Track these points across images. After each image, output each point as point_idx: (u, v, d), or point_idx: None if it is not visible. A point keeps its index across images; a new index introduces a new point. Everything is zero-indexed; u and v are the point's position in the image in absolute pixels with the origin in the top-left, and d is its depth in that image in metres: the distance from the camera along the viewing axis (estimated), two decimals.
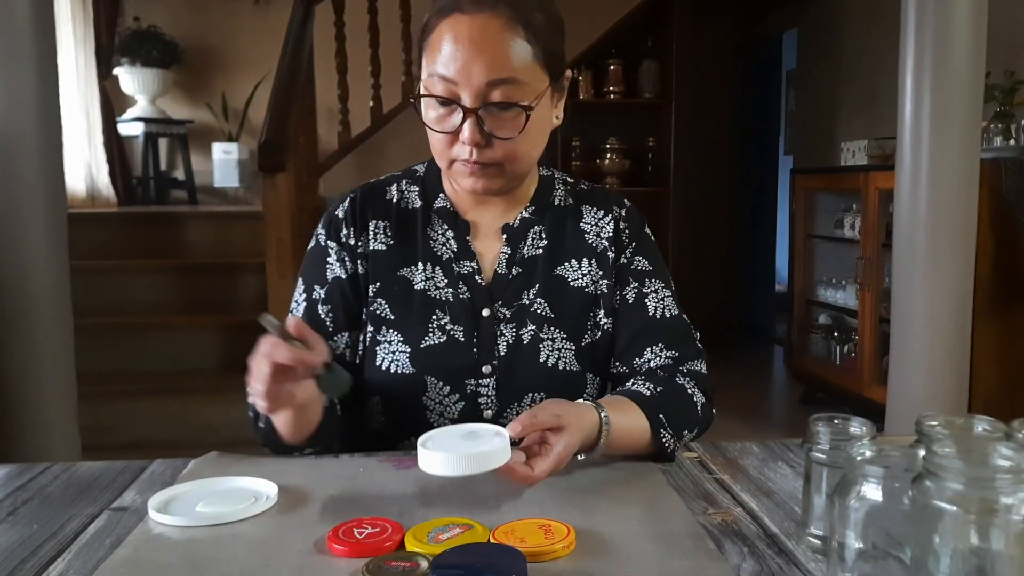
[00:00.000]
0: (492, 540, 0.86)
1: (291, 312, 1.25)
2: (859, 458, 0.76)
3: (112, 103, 5.55)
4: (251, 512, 0.95)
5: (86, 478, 1.09)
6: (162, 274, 4.22)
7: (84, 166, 5.32)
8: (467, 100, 1.08)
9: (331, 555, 0.86)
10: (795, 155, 6.00)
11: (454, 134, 1.11)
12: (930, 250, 2.74)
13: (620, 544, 0.87)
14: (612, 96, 5.73)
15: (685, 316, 1.28)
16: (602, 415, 1.06)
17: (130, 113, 5.59)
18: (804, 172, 4.86)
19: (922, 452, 0.69)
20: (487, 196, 1.21)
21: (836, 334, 4.43)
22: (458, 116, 1.10)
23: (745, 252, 6.33)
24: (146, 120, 5.54)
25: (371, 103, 4.84)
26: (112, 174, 5.45)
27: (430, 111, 1.12)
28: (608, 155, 5.73)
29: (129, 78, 5.53)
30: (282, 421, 1.08)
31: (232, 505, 0.96)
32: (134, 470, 1.11)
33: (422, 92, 1.12)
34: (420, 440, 0.97)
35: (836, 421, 0.90)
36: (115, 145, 5.54)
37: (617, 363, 1.25)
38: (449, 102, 1.09)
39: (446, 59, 1.08)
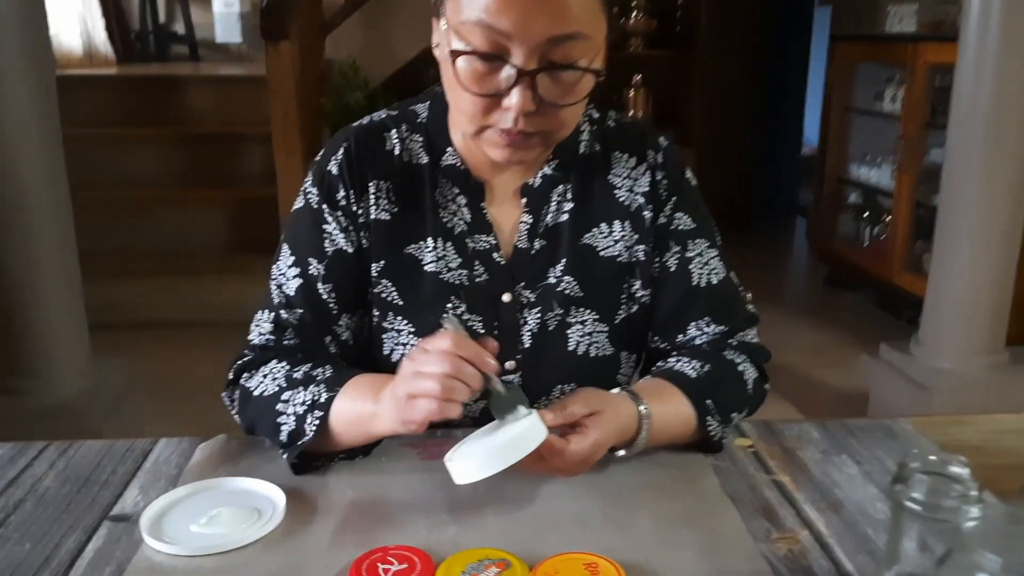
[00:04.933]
0: None
1: (275, 285, 1.07)
2: (971, 531, 0.65)
3: None
4: (257, 534, 0.85)
5: (84, 467, 0.99)
6: (163, 144, 4.05)
7: (79, 21, 5.01)
8: (520, 59, 0.88)
9: None
10: (834, 16, 5.60)
11: (495, 97, 0.91)
12: (991, 133, 2.49)
13: None
14: None
15: (733, 275, 1.13)
16: (641, 408, 0.95)
17: None
18: (844, 39, 4.53)
19: None
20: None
21: (867, 215, 4.26)
22: (505, 77, 0.89)
23: (772, 119, 6.02)
24: None
25: None
26: (109, 29, 5.15)
27: (463, 65, 0.90)
28: (633, 13, 5.35)
29: None
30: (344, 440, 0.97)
31: (236, 524, 0.86)
32: (136, 456, 1.02)
33: (456, 45, 0.90)
34: (446, 458, 0.86)
35: (932, 457, 0.78)
36: None
37: (656, 337, 1.13)
38: (493, 57, 0.89)
39: (495, 5, 0.86)
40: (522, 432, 0.84)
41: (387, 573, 0.79)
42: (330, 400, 0.94)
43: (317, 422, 0.94)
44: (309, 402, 0.95)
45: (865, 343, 3.35)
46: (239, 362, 1.07)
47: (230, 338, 1.07)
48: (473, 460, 0.84)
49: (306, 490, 0.94)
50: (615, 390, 0.98)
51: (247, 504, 0.90)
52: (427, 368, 0.84)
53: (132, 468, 0.99)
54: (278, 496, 0.91)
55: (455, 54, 0.90)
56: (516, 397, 0.88)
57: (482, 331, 1.06)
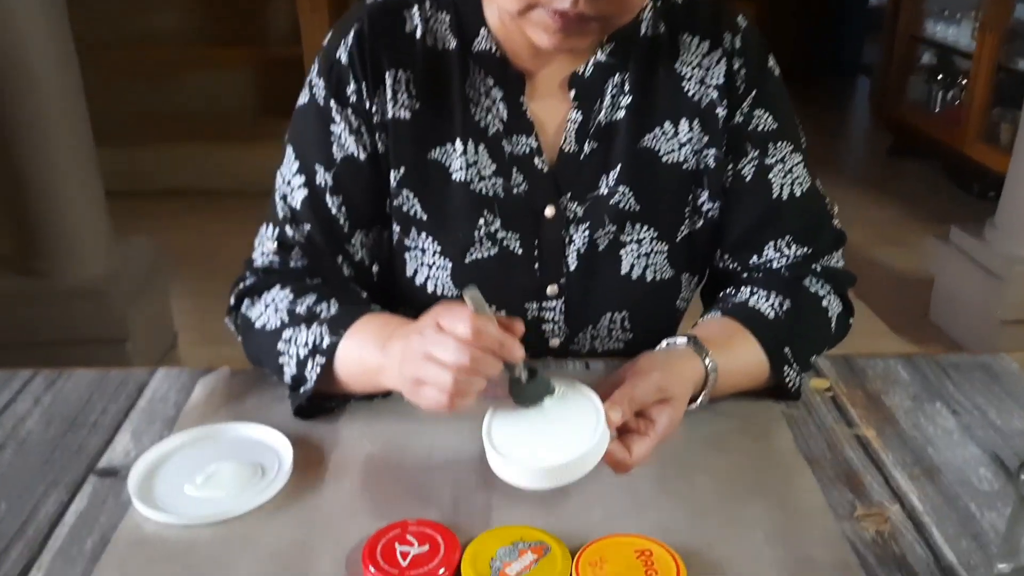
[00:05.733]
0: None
1: (279, 196, 0.92)
2: None
3: None
4: (259, 499, 0.74)
5: (72, 404, 0.89)
6: None
7: None
8: None
9: None
10: None
11: None
12: None
13: None
14: None
15: (819, 185, 0.96)
16: (707, 363, 0.81)
17: None
18: None
19: None
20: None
21: (940, 77, 3.92)
22: None
23: None
24: None
25: None
26: None
27: None
28: None
29: None
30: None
31: (236, 485, 0.75)
32: (130, 391, 0.91)
33: None
34: (484, 427, 0.73)
35: None
36: None
37: (726, 257, 0.97)
38: None
39: None
40: (586, 451, 0.69)
41: (405, 557, 0.68)
42: (333, 346, 0.81)
43: (319, 369, 0.81)
44: (311, 345, 0.82)
45: (931, 221, 3.14)
46: (240, 286, 0.94)
47: (260, 208, 0.95)
48: (520, 468, 0.70)
49: (317, 440, 0.82)
50: (678, 340, 0.83)
51: (249, 459, 0.79)
52: (440, 355, 0.69)
53: (125, 406, 0.88)
54: (284, 449, 0.80)
55: None
56: (542, 387, 0.74)
57: (519, 251, 0.91)
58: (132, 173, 3.27)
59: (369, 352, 0.80)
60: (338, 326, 0.82)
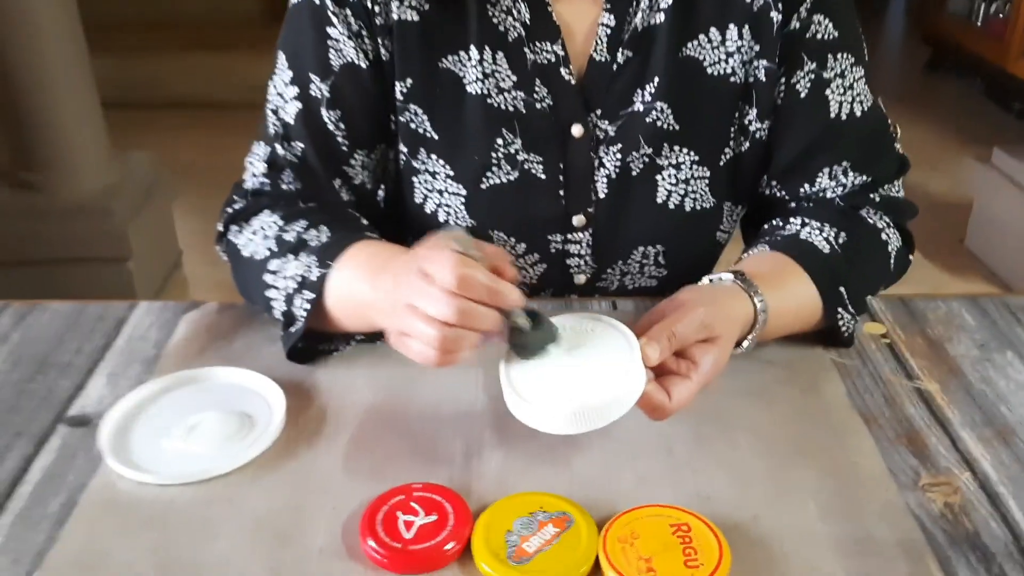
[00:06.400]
0: (604, 555, 0.57)
1: (270, 109, 0.81)
2: None
3: None
4: (246, 456, 0.66)
5: (45, 342, 0.80)
6: None
7: None
8: None
9: (368, 569, 0.58)
10: None
11: None
12: None
13: (794, 565, 0.57)
14: None
15: (882, 103, 0.85)
16: (756, 303, 0.71)
17: None
18: None
19: None
20: None
21: None
22: None
23: None
24: None
25: None
26: None
27: None
28: None
29: None
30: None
31: (220, 439, 0.67)
32: (108, 328, 0.82)
33: None
34: (503, 364, 0.64)
35: None
36: None
37: (775, 184, 0.86)
38: None
39: None
40: (620, 392, 0.61)
41: (409, 528, 0.59)
42: (322, 279, 0.72)
43: (308, 306, 0.72)
44: (299, 278, 0.73)
45: (969, 142, 2.99)
46: (228, 209, 0.84)
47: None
48: (544, 410, 0.61)
49: (312, 387, 0.74)
50: (723, 276, 0.73)
51: (236, 408, 0.71)
52: (424, 307, 0.60)
53: (101, 345, 0.80)
54: (276, 398, 0.71)
55: None
56: (546, 334, 0.64)
57: (542, 176, 0.81)
58: (133, 84, 3.14)
59: (359, 286, 0.70)
60: (327, 254, 0.73)
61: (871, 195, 0.83)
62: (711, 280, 0.74)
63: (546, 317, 0.64)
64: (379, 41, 0.78)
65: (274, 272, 0.75)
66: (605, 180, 0.81)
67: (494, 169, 0.80)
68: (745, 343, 0.72)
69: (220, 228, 0.85)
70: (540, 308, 0.64)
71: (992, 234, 2.52)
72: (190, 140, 3.06)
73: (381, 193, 0.87)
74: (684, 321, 0.65)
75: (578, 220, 0.83)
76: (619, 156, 0.81)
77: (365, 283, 0.69)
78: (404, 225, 0.87)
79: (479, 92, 0.79)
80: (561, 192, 0.82)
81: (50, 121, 2.07)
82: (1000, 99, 3.51)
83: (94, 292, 2.12)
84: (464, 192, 0.82)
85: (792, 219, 0.82)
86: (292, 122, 0.80)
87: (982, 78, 3.63)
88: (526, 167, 0.80)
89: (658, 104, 0.79)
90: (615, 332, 0.65)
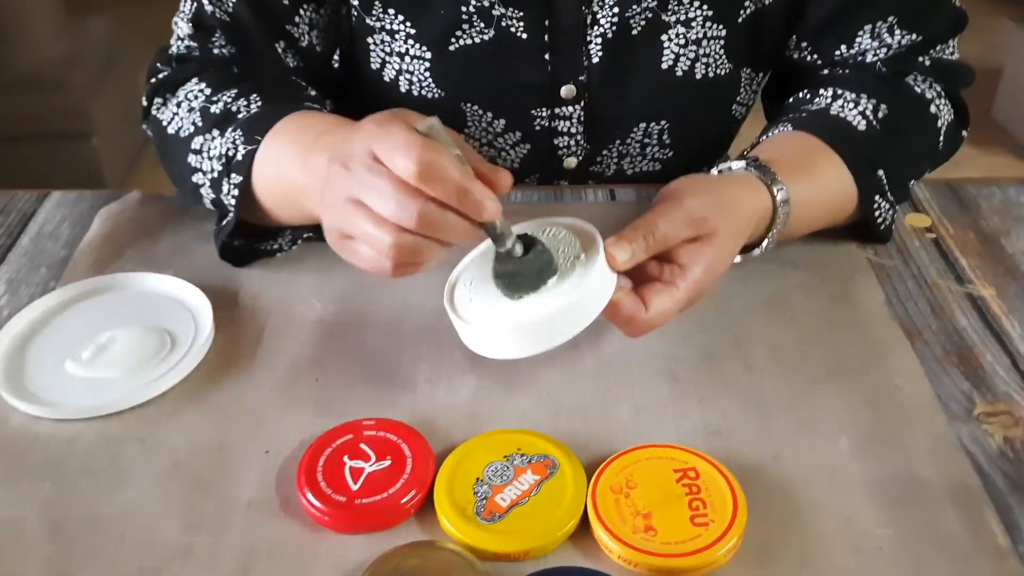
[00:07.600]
0: (593, 510, 0.47)
1: None
2: None
3: None
4: (165, 384, 0.55)
5: None
6: None
7: None
8: None
9: (307, 526, 0.48)
10: None
11: None
12: None
13: (824, 527, 0.47)
14: None
15: None
16: (776, 193, 0.58)
17: None
18: None
19: None
20: None
21: None
22: None
23: None
24: None
25: None
26: None
27: None
28: None
29: None
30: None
31: (134, 360, 0.56)
32: (12, 225, 0.70)
33: None
34: (450, 282, 0.52)
35: None
36: None
37: (804, 46, 0.71)
38: None
39: None
40: (574, 300, 0.49)
41: (357, 477, 0.49)
42: (249, 157, 0.59)
43: (236, 192, 0.59)
44: (225, 158, 0.60)
45: (998, 1, 2.75)
46: (152, 80, 0.70)
47: None
48: (493, 330, 0.50)
49: (248, 297, 0.62)
50: (733, 164, 0.60)
51: (155, 324, 0.59)
52: (373, 203, 0.46)
53: (4, 245, 0.67)
54: (203, 310, 0.59)
55: None
56: (540, 264, 0.50)
57: (523, 35, 0.66)
58: None
59: (287, 167, 0.57)
60: (255, 131, 0.59)
61: (920, 58, 0.69)
62: (719, 171, 0.61)
63: (540, 239, 0.51)
64: None
65: (198, 151, 0.62)
66: (599, 41, 0.67)
67: (464, 27, 0.65)
68: (764, 243, 0.60)
69: (144, 102, 0.71)
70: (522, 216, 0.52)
71: (1023, 104, 2.35)
72: (157, 3, 2.83)
73: (335, 58, 0.73)
74: (667, 215, 0.52)
75: (567, 90, 0.69)
76: (616, 11, 0.66)
77: (294, 162, 0.56)
78: (362, 97, 0.73)
79: None
80: (546, 56, 0.67)
81: None
82: None
83: (56, 172, 1.98)
84: (429, 56, 0.67)
85: (822, 90, 0.68)
86: None
87: None
88: (503, 24, 0.66)
89: None
90: (584, 236, 0.53)
